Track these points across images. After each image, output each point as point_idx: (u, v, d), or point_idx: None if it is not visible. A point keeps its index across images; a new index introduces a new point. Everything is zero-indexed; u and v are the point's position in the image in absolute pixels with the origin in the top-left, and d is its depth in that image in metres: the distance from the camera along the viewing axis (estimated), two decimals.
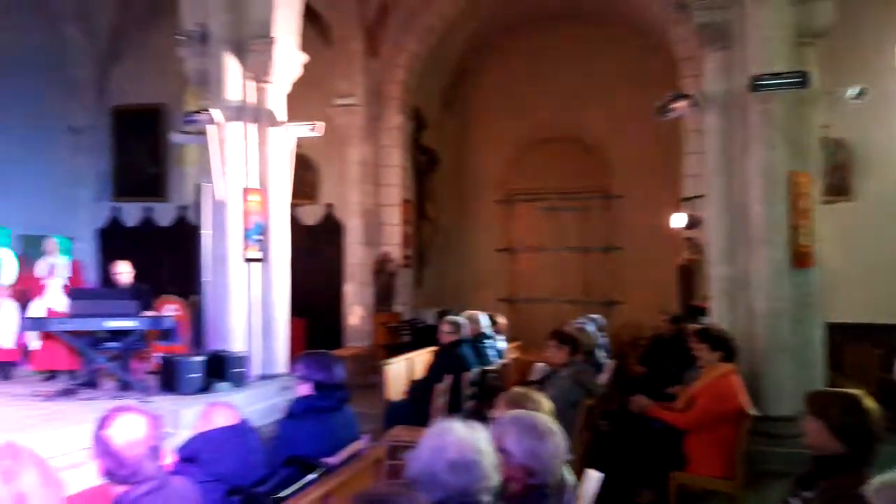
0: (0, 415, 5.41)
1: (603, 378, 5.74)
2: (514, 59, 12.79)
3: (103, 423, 1.85)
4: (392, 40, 11.09)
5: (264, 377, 7.33)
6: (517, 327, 10.12)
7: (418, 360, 7.14)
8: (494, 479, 1.80)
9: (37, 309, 7.31)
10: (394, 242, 11.40)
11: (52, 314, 7.11)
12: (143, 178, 12.02)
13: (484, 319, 7.01)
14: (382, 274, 11.13)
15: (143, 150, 11.99)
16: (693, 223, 8.99)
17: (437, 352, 6.37)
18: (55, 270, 7.62)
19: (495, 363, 6.71)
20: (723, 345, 4.60)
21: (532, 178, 12.85)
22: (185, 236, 11.07)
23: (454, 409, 5.47)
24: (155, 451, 1.86)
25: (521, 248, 13.29)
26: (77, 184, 11.94)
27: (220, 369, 6.54)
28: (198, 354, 6.64)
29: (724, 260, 6.30)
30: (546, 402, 2.63)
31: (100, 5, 11.44)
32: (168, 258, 10.99)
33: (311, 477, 2.73)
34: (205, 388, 6.35)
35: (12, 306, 7.31)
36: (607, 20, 12.01)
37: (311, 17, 8.98)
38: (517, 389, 2.96)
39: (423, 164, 12.55)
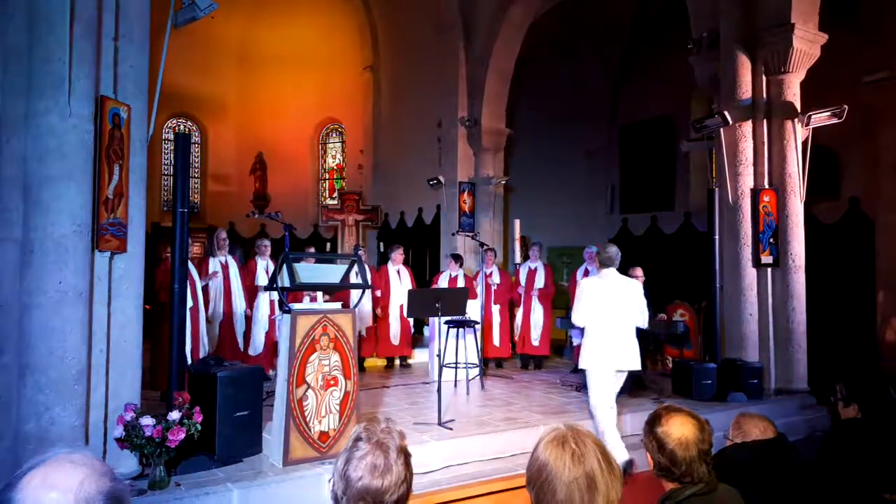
0: (540, 399, 6.46)
1: None
2: None
3: (656, 420, 1.95)
4: None
5: (780, 392, 6.84)
6: None
7: None
8: None
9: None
10: None
11: None
12: (649, 189, 12.66)
13: None
14: None
15: (648, 162, 12.66)
16: None
17: None
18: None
19: None
20: None
21: None
22: (690, 242, 11.20)
23: None
24: (705, 455, 1.87)
25: None
26: (592, 199, 13.40)
27: (735, 378, 6.36)
28: (711, 361, 6.60)
29: None
30: None
31: (612, 37, 12.59)
32: (673, 265, 11.27)
33: None
34: (719, 396, 6.27)
35: (540, 310, 8.59)
36: None
37: None
38: None
39: None
